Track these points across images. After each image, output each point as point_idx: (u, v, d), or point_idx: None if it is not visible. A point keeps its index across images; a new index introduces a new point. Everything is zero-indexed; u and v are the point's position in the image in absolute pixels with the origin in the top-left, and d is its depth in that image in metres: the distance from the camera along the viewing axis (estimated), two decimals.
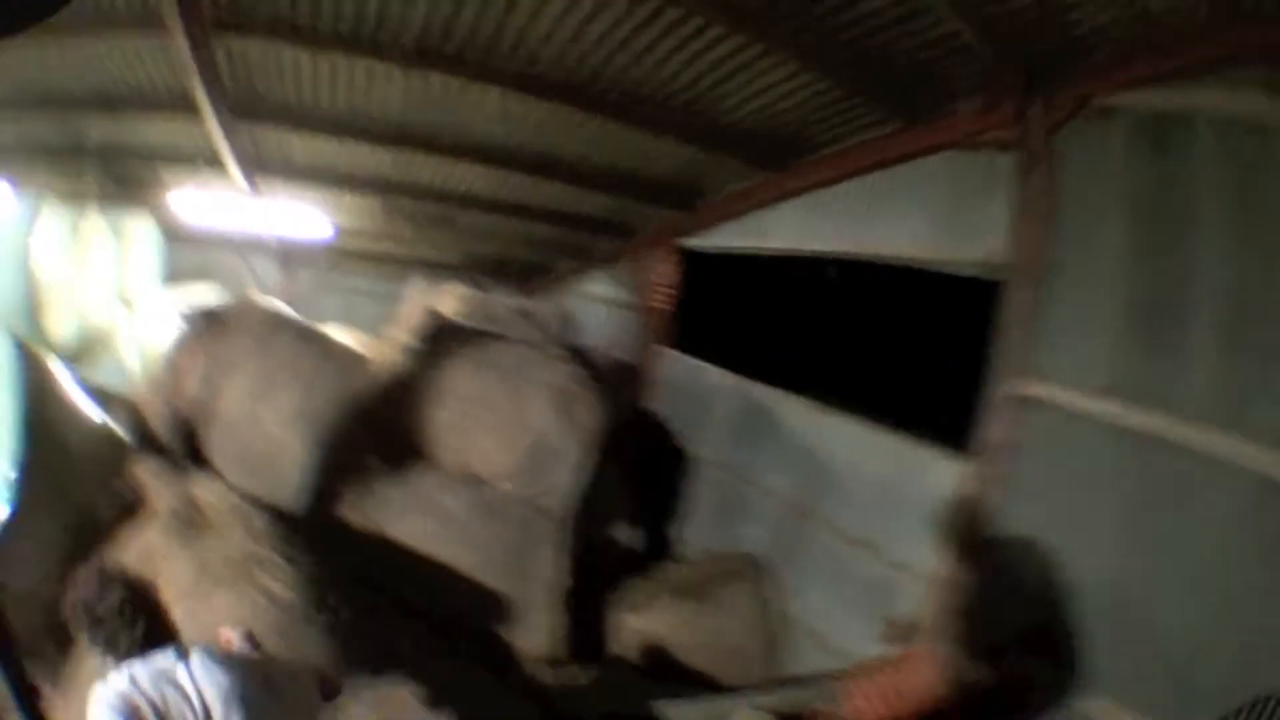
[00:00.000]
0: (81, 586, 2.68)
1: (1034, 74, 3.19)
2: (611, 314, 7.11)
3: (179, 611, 2.94)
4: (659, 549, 5.51)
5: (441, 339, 4.24)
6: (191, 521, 3.17)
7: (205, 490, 3.35)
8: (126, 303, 5.50)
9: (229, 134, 5.90)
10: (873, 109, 4.00)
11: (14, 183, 4.83)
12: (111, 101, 5.78)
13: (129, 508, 3.37)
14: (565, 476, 4.42)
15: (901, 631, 3.31)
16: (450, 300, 4.67)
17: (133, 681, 1.81)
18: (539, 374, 4.35)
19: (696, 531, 5.46)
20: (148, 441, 3.70)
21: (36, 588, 2.98)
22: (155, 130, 6.18)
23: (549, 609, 4.24)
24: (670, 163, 5.36)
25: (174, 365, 3.88)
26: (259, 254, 7.52)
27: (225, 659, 1.94)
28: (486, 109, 4.80)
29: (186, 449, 3.76)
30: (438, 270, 6.93)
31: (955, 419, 3.41)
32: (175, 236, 6.41)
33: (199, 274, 6.58)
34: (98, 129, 6.10)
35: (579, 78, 4.12)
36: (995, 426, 3.19)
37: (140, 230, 5.97)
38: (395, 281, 6.51)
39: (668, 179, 5.69)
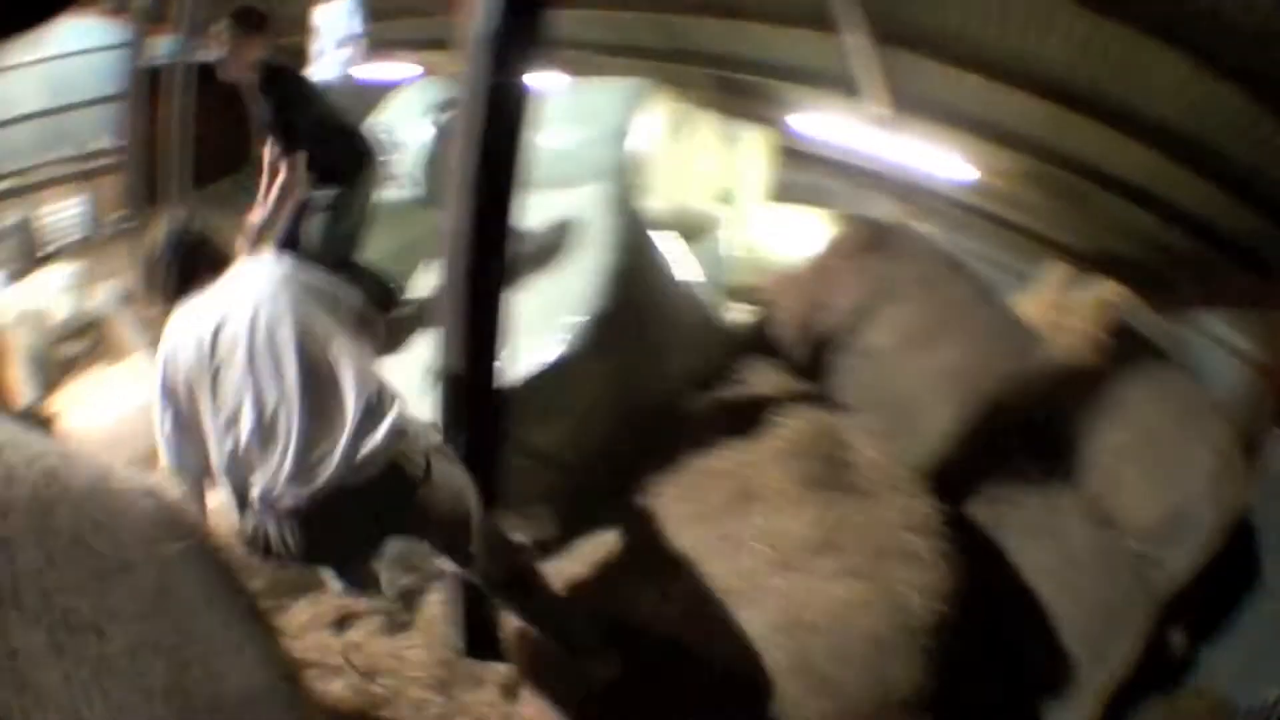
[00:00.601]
0: None
1: None
2: (1227, 365, 5.59)
3: (767, 571, 2.44)
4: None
5: (1122, 343, 3.51)
6: (830, 465, 2.66)
7: (861, 439, 2.82)
8: (730, 203, 5.64)
9: (867, 57, 5.70)
10: None
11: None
12: (731, 9, 5.91)
13: (721, 410, 2.96)
14: (1185, 558, 3.47)
15: None
16: (1106, 298, 3.92)
17: None
18: (1205, 426, 3.40)
19: None
20: (761, 344, 3.48)
21: (564, 448, 2.80)
22: (780, 44, 6.26)
23: (1099, 698, 3.44)
24: None
25: (824, 272, 3.61)
26: (879, 191, 7.12)
27: None
28: (1162, 77, 4.06)
29: (808, 366, 3.53)
30: (1065, 255, 6.16)
31: None
32: (789, 156, 6.47)
33: (808, 198, 6.61)
34: (709, 35, 6.37)
35: None
36: None
37: (752, 142, 6.06)
38: (1021, 258, 5.99)
39: None
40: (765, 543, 2.48)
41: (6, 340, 4.82)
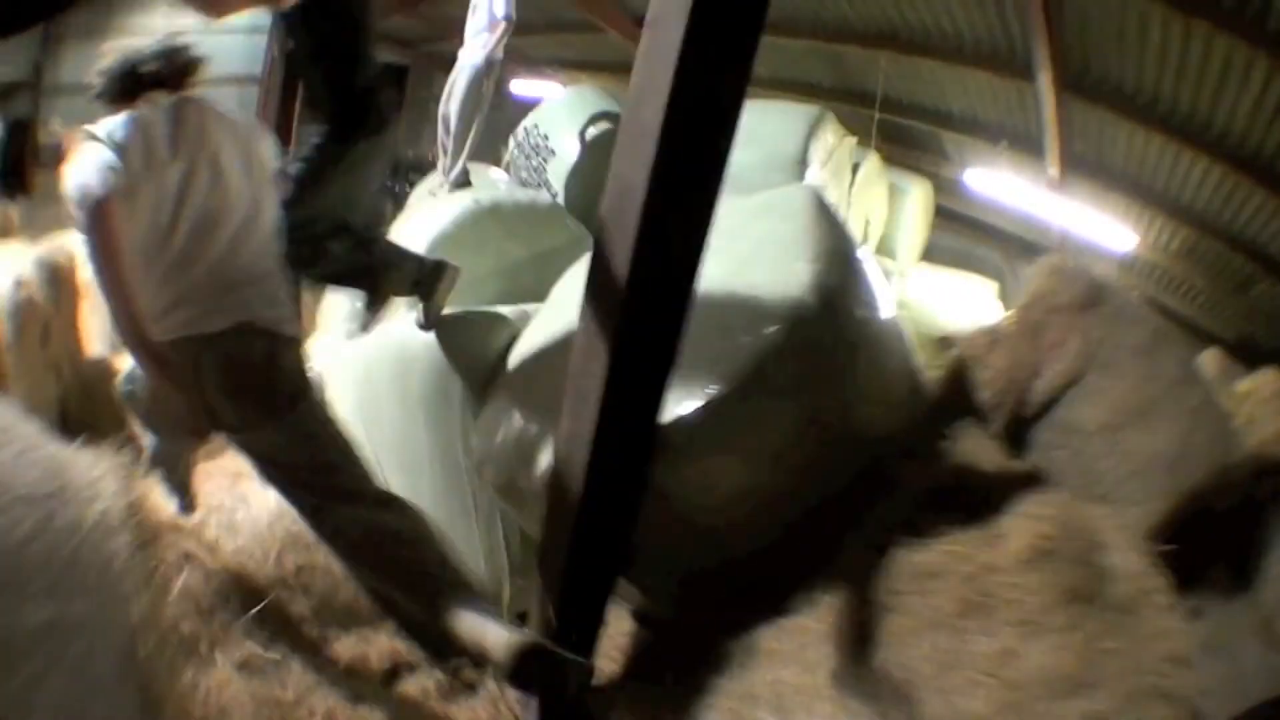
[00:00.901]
0: None
1: None
2: None
3: (994, 715, 1.78)
4: None
5: None
6: (1086, 572, 1.95)
7: (1119, 538, 2.09)
8: (891, 256, 5.15)
9: (1058, 108, 5.19)
10: None
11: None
12: (907, 43, 5.48)
13: (940, 485, 2.25)
14: None
15: None
16: None
17: None
18: None
19: None
20: (961, 407, 2.92)
21: (725, 510, 2.14)
22: (953, 85, 5.83)
23: None
24: None
25: (1038, 330, 2.99)
26: (1031, 258, 6.66)
27: None
28: None
29: (1006, 427, 2.87)
30: (1209, 342, 5.42)
31: None
32: (947, 213, 6.00)
33: (957, 261, 6.09)
34: (879, 74, 5.94)
35: None
36: None
37: (916, 194, 5.59)
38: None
39: None
40: (996, 675, 1.81)
41: None
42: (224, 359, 1.89)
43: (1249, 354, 5.59)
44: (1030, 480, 2.29)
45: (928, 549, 1.94)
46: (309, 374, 2.13)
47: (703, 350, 1.98)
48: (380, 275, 2.75)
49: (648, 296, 1.56)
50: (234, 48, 8.75)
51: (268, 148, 2.13)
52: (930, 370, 2.91)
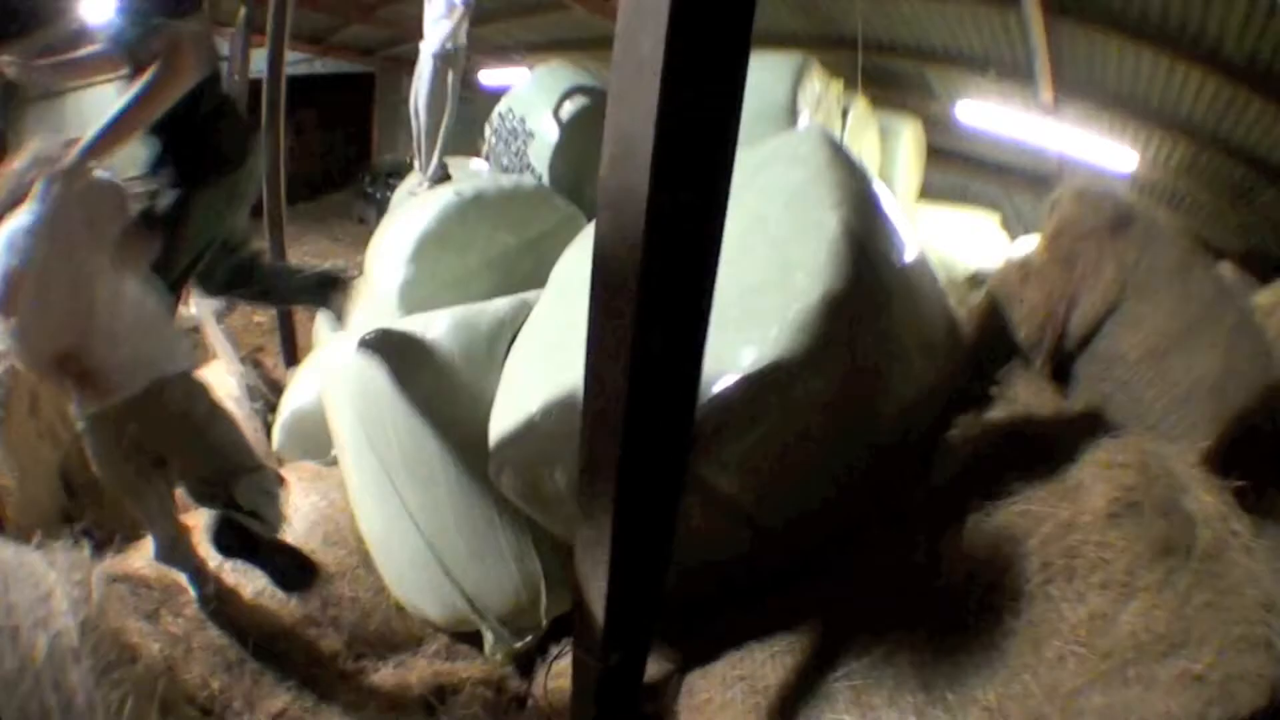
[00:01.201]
0: None
1: None
2: None
3: (1085, 686, 1.65)
4: None
5: None
6: (1171, 520, 1.75)
7: (1196, 479, 1.88)
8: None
9: (1048, 33, 5.01)
10: None
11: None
12: None
13: (1001, 437, 2.08)
14: None
15: None
16: None
17: None
18: None
19: None
20: (1001, 346, 2.73)
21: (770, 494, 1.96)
22: (934, 19, 5.63)
23: None
24: None
25: (1071, 257, 2.78)
26: (1029, 187, 6.40)
27: None
28: None
29: (1048, 363, 2.69)
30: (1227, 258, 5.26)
31: None
32: (938, 149, 5.81)
33: (954, 197, 5.91)
34: (856, 16, 5.74)
35: None
36: None
37: (907, 135, 5.39)
38: None
39: None
40: (1087, 644, 1.65)
41: None
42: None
43: (1259, 265, 5.44)
44: (1094, 421, 2.12)
45: (998, 510, 1.76)
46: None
47: (730, 318, 1.76)
48: (271, 287, 2.76)
49: (667, 263, 1.35)
50: None
51: (121, 207, 2.06)
52: (962, 310, 2.73)
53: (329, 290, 2.85)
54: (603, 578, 1.57)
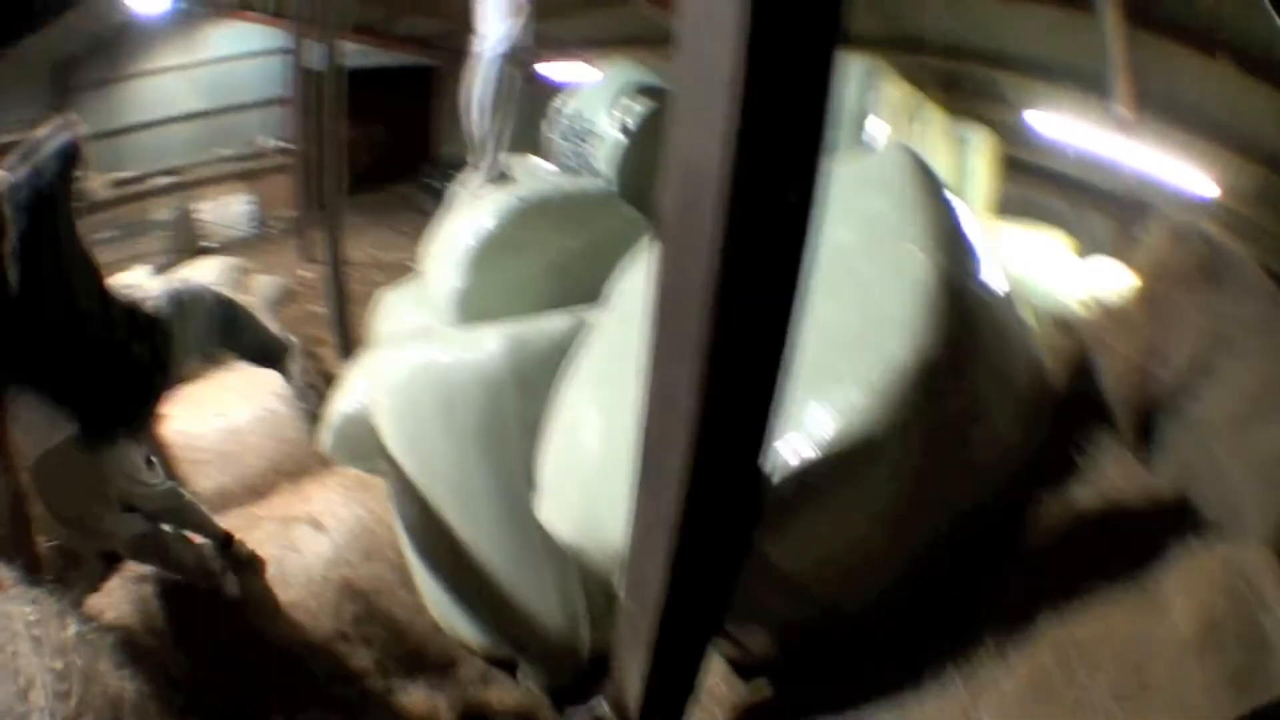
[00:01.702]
0: None
1: None
2: None
3: None
4: None
5: None
6: (1251, 651, 1.49)
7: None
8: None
9: (1125, 43, 4.74)
10: None
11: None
12: None
13: (1084, 528, 1.84)
14: None
15: None
16: None
17: None
18: None
19: None
20: (1088, 407, 2.47)
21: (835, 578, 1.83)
22: (1007, 23, 5.31)
23: None
24: None
25: (1162, 309, 2.51)
26: (1099, 204, 6.05)
27: None
28: None
29: (1137, 427, 2.41)
30: None
31: None
32: (1011, 163, 5.51)
33: (1020, 211, 5.60)
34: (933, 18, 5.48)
35: None
36: None
37: (981, 145, 5.10)
38: None
39: None
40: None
41: None
42: None
43: None
44: (1183, 513, 1.88)
45: (1076, 615, 1.56)
46: None
47: (805, 369, 1.46)
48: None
49: (740, 311, 1.18)
50: (248, 73, 8.75)
51: None
52: (1048, 355, 2.49)
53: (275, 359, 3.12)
54: (643, 658, 1.44)
